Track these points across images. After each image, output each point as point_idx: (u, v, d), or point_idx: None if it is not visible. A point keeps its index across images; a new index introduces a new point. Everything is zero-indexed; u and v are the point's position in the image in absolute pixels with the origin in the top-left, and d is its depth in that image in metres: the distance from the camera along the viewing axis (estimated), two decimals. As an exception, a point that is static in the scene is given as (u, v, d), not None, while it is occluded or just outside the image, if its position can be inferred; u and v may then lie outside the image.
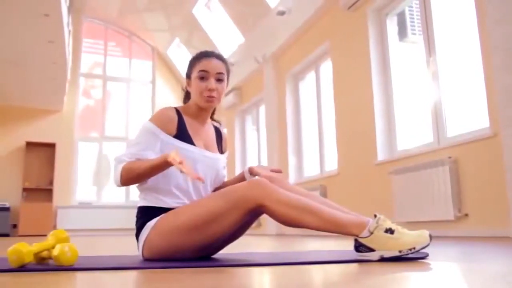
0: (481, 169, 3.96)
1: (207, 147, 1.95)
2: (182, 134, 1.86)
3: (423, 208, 4.43)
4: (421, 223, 4.50)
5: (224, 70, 1.93)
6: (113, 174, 1.77)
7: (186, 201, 1.84)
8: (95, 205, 11.36)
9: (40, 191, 10.89)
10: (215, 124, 2.14)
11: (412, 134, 5.15)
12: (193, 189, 1.87)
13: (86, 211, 11.13)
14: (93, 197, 11.64)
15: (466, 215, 4.06)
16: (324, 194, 6.28)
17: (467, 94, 4.49)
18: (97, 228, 10.76)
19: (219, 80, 1.90)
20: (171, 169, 1.77)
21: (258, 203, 1.67)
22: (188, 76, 1.97)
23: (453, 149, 4.25)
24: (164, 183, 1.81)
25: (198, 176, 1.59)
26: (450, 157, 4.20)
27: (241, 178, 2.02)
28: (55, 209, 10.87)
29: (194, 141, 1.88)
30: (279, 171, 1.97)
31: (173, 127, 1.85)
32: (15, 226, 10.56)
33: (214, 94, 1.88)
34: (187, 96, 2.05)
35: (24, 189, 10.71)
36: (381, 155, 5.32)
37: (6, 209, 10.42)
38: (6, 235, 10.19)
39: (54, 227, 10.64)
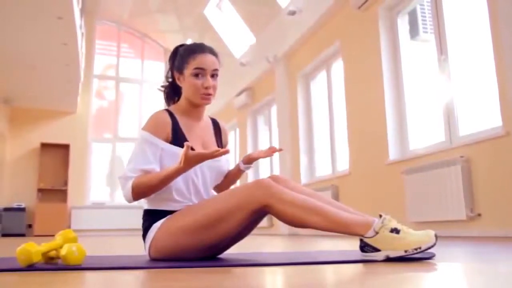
0: (494, 168, 3.92)
1: (204, 145, 1.92)
2: (177, 137, 1.83)
3: (435, 208, 4.40)
4: (433, 223, 4.47)
5: (218, 66, 1.90)
6: (123, 193, 1.75)
7: (190, 204, 1.85)
8: (108, 206, 11.48)
9: (55, 192, 11.04)
10: (212, 117, 2.11)
11: (424, 134, 5.11)
12: (194, 193, 1.87)
13: (99, 211, 11.24)
14: (107, 198, 11.75)
15: (479, 215, 4.02)
16: (336, 194, 6.26)
17: (479, 93, 4.45)
18: (111, 228, 10.87)
19: (214, 76, 1.88)
20: (182, 186, 1.82)
21: (263, 204, 1.67)
22: (180, 70, 1.90)
23: (465, 149, 4.21)
24: (165, 192, 1.80)
25: (216, 150, 1.61)
26: (462, 157, 4.16)
27: (238, 169, 2.05)
28: (69, 210, 11.00)
29: (191, 142, 1.84)
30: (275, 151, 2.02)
31: (168, 131, 1.82)
32: (30, 226, 10.71)
33: (211, 91, 1.86)
34: (171, 88, 2.01)
35: (39, 190, 10.86)
36: (392, 155, 5.29)
37: (22, 209, 10.58)
38: (22, 235, 10.34)
39: (69, 227, 10.76)
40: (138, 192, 1.72)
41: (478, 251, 2.11)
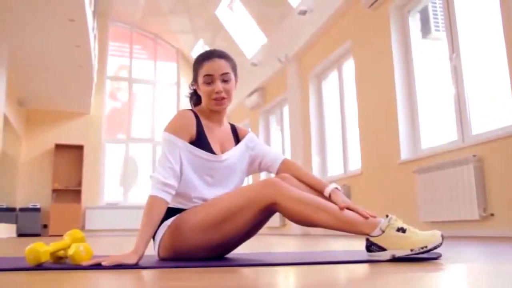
0: (507, 167, 3.87)
1: (223, 147, 1.94)
2: (200, 138, 1.86)
3: (447, 207, 4.36)
4: (445, 222, 4.43)
5: (229, 69, 1.87)
6: (151, 189, 1.74)
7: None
8: (122, 206, 11.56)
9: (69, 192, 11.15)
10: (231, 122, 2.13)
11: (436, 133, 5.07)
12: (208, 192, 1.87)
13: (113, 211, 11.33)
14: (120, 198, 11.84)
15: (492, 214, 3.97)
16: (348, 194, 6.24)
17: (492, 91, 4.40)
18: (124, 228, 10.93)
19: (225, 80, 1.86)
20: (194, 181, 1.82)
21: (271, 201, 1.67)
22: (196, 80, 1.94)
23: (478, 147, 4.16)
24: (190, 191, 1.83)
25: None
26: (474, 156, 4.12)
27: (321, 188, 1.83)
28: (83, 210, 11.10)
29: (211, 144, 1.88)
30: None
31: (193, 131, 1.85)
32: (45, 226, 10.83)
33: (223, 95, 1.85)
34: (195, 94, 2.02)
35: (54, 190, 10.98)
36: (404, 154, 5.25)
37: (37, 209, 10.71)
38: (38, 235, 10.47)
39: (83, 228, 10.87)
40: (146, 205, 1.71)
41: (489, 251, 2.09)
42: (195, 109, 1.95)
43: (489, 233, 3.98)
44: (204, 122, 1.91)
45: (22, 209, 10.62)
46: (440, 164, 4.49)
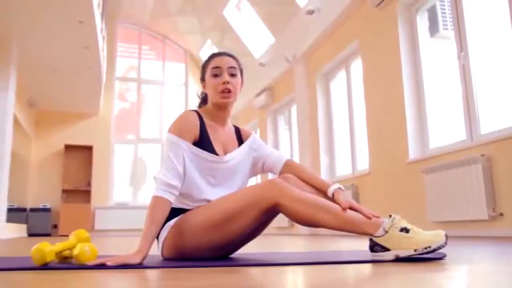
0: (516, 166, 3.84)
1: (226, 148, 1.95)
2: (203, 139, 1.87)
3: (456, 207, 4.33)
4: (454, 222, 4.40)
5: (236, 65, 1.93)
6: (154, 190, 1.76)
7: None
8: (131, 206, 11.61)
9: (79, 192, 11.23)
10: (235, 125, 2.14)
11: (444, 132, 5.04)
12: (211, 193, 1.88)
13: (123, 211, 11.38)
14: (130, 198, 11.89)
15: (501, 214, 3.94)
16: (356, 194, 6.22)
17: (501, 90, 4.36)
18: (134, 228, 10.98)
19: (232, 75, 1.90)
20: (197, 181, 1.83)
21: (274, 202, 1.67)
22: (203, 78, 1.98)
23: (486, 147, 4.13)
24: (193, 192, 1.84)
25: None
26: (483, 155, 4.09)
27: (324, 188, 1.82)
28: (93, 210, 11.17)
29: (214, 145, 1.89)
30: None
31: (196, 132, 1.86)
32: (55, 226, 10.92)
33: (229, 86, 1.87)
34: (203, 101, 2.06)
35: (64, 191, 11.06)
36: (412, 154, 5.23)
37: (47, 210, 10.80)
38: (48, 235, 10.56)
39: (92, 228, 10.94)
40: (149, 206, 1.73)
41: (496, 252, 2.07)
42: (199, 110, 1.97)
43: (498, 233, 3.95)
44: (207, 122, 1.92)
45: (32, 209, 10.72)
46: (448, 163, 4.46)
